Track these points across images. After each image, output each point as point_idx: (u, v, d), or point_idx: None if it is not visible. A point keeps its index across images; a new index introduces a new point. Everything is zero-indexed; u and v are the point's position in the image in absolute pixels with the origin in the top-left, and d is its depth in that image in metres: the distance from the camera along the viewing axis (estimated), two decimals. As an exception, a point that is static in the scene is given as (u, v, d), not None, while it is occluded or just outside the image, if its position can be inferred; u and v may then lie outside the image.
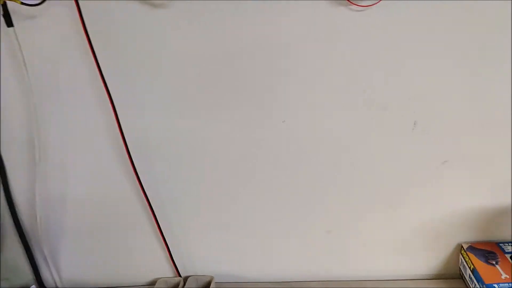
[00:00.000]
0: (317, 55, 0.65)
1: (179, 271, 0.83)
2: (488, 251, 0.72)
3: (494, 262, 0.69)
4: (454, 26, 0.62)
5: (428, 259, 0.78)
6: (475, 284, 0.69)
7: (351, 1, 0.61)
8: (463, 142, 0.69)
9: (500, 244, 0.73)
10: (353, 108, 0.68)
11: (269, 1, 0.62)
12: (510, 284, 0.64)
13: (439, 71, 0.64)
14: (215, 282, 0.81)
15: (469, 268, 0.71)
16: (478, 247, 0.73)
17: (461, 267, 0.75)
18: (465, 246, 0.74)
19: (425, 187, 0.73)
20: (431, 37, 0.62)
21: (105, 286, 0.88)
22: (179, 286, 0.81)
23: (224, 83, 0.68)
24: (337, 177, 0.74)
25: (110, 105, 0.69)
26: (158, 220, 0.78)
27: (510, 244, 0.73)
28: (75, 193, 0.80)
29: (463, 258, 0.74)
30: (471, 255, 0.72)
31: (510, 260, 0.69)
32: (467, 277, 0.73)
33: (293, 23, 0.63)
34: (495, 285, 0.64)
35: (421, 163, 0.71)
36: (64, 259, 0.88)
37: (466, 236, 0.76)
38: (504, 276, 0.66)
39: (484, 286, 0.65)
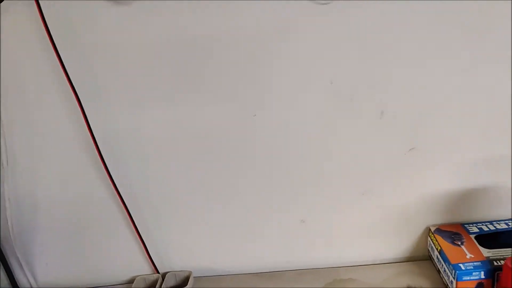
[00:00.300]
0: (285, 48, 0.66)
1: (157, 267, 0.84)
2: (454, 232, 0.75)
3: (459, 243, 0.72)
4: (417, 16, 0.63)
5: (399, 243, 0.81)
6: (442, 265, 0.72)
7: (315, -5, 0.62)
8: (428, 130, 0.71)
9: (465, 225, 0.76)
10: (321, 100, 0.70)
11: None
12: (474, 263, 0.68)
13: (403, 61, 0.67)
14: (194, 277, 0.82)
15: (437, 249, 0.74)
16: (445, 229, 0.77)
17: (430, 249, 0.79)
18: (432, 229, 0.77)
19: (394, 173, 0.75)
20: (394, 27, 0.64)
21: (83, 287, 0.88)
22: (158, 283, 0.81)
23: (194, 76, 0.69)
24: (308, 167, 0.75)
25: (77, 103, 0.68)
26: (133, 218, 0.78)
27: (474, 225, 0.76)
28: (46, 194, 0.79)
29: (431, 240, 0.77)
30: (438, 237, 0.75)
31: (474, 240, 0.72)
32: (435, 258, 0.76)
33: (260, 17, 0.64)
34: (461, 265, 0.68)
35: (389, 151, 0.73)
36: (39, 262, 0.87)
37: (434, 219, 0.79)
38: (469, 255, 0.69)
39: (451, 266, 0.68)
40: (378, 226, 0.80)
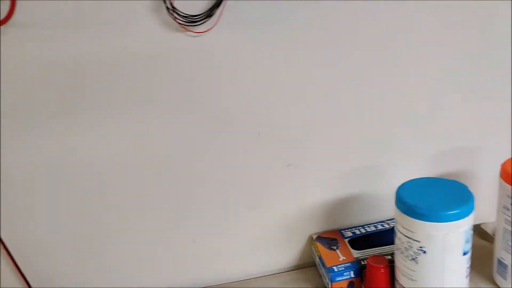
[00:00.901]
0: (167, 78, 0.70)
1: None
2: (331, 238, 0.83)
3: (335, 248, 0.80)
4: (288, 44, 0.71)
5: (287, 253, 0.87)
6: (322, 269, 0.79)
7: (186, 28, 0.67)
8: (301, 147, 0.79)
9: (342, 231, 0.85)
10: (204, 124, 0.74)
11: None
12: (345, 265, 0.75)
13: (274, 88, 0.74)
14: (86, 309, 0.80)
15: (317, 256, 0.81)
16: (324, 236, 0.84)
17: (314, 256, 0.86)
18: (314, 237, 0.85)
19: (276, 188, 0.81)
20: (266, 57, 0.71)
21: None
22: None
23: (82, 106, 0.69)
24: (194, 188, 0.79)
25: None
26: (12, 255, 0.75)
27: (349, 229, 0.85)
28: None
29: (313, 247, 0.84)
30: (319, 244, 0.82)
31: (347, 244, 0.81)
32: (317, 264, 0.83)
33: (134, 47, 0.68)
34: (334, 267, 0.75)
35: (269, 168, 0.80)
36: None
37: (316, 228, 0.86)
38: (341, 258, 0.77)
39: (326, 269, 0.75)
40: (266, 239, 0.85)
